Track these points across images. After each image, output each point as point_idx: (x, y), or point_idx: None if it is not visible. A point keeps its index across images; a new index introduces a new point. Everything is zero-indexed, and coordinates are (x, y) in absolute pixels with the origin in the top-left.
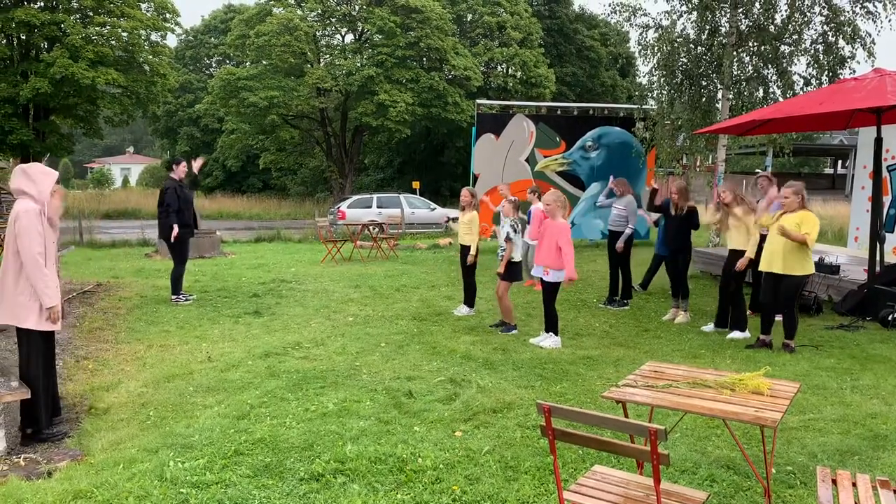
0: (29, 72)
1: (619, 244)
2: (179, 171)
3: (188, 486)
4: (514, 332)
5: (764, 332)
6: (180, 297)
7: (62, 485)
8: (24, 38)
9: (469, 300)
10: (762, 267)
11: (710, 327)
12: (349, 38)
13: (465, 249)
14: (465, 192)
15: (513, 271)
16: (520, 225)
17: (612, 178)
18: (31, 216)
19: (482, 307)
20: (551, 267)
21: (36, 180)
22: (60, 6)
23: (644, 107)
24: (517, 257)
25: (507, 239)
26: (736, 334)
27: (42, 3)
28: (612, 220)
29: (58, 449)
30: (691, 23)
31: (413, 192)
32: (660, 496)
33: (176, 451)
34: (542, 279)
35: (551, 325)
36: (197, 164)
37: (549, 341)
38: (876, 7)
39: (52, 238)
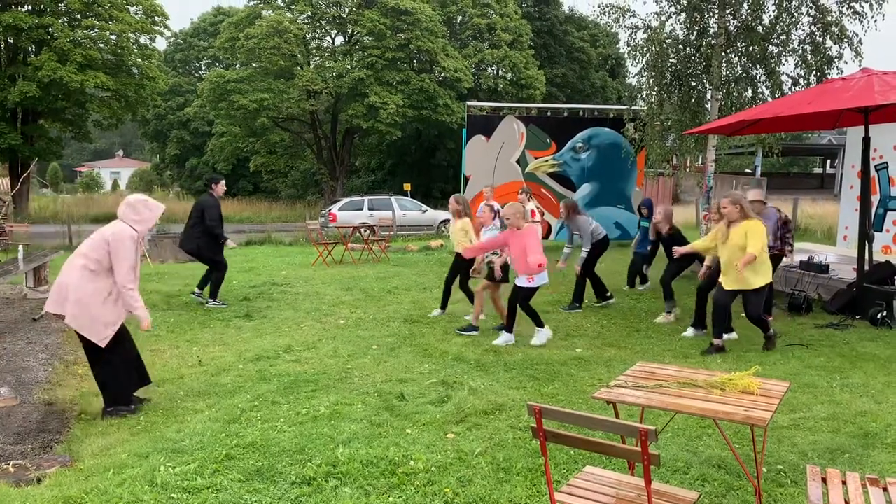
0: (17, 75)
1: (577, 267)
2: (219, 189)
3: (179, 491)
4: (475, 333)
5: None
6: (217, 301)
7: (52, 491)
8: (11, 41)
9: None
10: (726, 286)
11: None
12: (339, 40)
13: (460, 256)
14: (452, 200)
15: (505, 275)
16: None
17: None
18: (128, 242)
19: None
20: (532, 272)
21: (141, 215)
22: (48, 9)
23: (634, 107)
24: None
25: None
26: (689, 332)
27: (29, 7)
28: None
29: (47, 455)
30: (680, 24)
31: (404, 194)
32: (651, 497)
33: (167, 455)
34: (520, 286)
35: (537, 320)
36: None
37: (540, 336)
38: (862, 7)
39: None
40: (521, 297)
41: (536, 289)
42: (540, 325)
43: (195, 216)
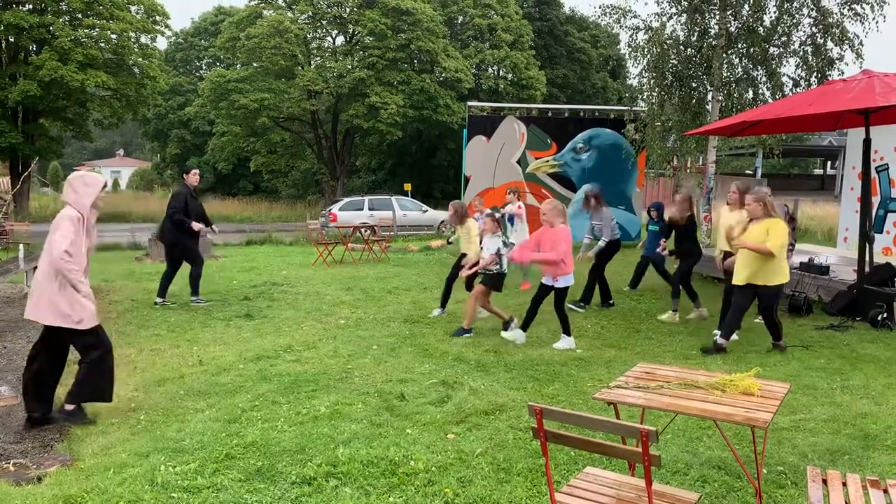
0: (17, 74)
1: (589, 254)
2: (192, 179)
3: (179, 490)
4: (469, 335)
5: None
6: (200, 299)
7: (52, 490)
8: (12, 40)
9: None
10: (736, 281)
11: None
12: (340, 40)
13: (465, 257)
14: (450, 207)
15: (497, 282)
16: (508, 239)
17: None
18: (65, 221)
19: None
20: (559, 273)
21: (79, 192)
22: (49, 9)
23: (634, 108)
24: (505, 269)
25: (498, 254)
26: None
27: (30, 6)
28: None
29: (48, 454)
30: (681, 25)
31: (405, 194)
32: (651, 497)
33: (167, 455)
34: (553, 286)
35: (566, 328)
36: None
37: (565, 343)
38: (863, 8)
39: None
40: (557, 299)
41: (566, 290)
42: (567, 332)
43: (186, 209)
